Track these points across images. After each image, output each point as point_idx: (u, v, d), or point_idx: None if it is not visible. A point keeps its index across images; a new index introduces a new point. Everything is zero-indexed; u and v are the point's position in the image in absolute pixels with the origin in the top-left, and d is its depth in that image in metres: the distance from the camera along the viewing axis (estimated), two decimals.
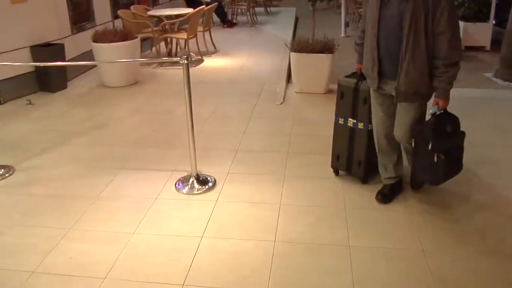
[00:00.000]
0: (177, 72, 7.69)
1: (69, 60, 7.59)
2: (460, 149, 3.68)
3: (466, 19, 9.57)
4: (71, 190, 4.26)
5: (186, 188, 4.22)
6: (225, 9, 13.53)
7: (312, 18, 7.44)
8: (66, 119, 6.15)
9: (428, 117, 3.58)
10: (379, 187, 4.03)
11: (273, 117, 6.01)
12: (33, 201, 4.11)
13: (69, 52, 7.58)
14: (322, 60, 6.74)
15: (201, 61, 9.04)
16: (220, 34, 11.53)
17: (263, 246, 3.39)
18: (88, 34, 7.89)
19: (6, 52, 6.66)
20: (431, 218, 3.69)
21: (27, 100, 6.76)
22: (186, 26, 9.10)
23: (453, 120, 3.60)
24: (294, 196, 4.06)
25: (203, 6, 9.70)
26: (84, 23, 8.64)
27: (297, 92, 6.93)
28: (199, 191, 4.18)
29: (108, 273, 3.14)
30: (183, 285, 3.02)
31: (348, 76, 4.16)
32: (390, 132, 3.82)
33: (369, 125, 3.99)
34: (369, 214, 3.79)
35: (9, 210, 3.99)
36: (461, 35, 9.43)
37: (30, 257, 3.35)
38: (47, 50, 7.14)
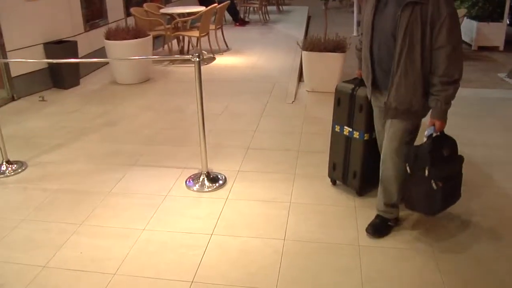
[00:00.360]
0: (189, 70, 7.74)
1: (82, 57, 7.66)
2: (459, 175, 3.37)
3: (479, 19, 9.51)
4: (83, 186, 4.30)
5: (197, 185, 4.24)
6: (237, 7, 13.53)
7: (324, 17, 7.42)
8: (79, 115, 6.19)
9: (423, 139, 3.23)
10: None
11: (284, 116, 6.01)
12: (45, 196, 4.14)
13: (82, 49, 7.64)
14: (334, 59, 6.72)
15: (213, 59, 9.06)
16: (232, 32, 11.54)
17: (272, 244, 3.39)
18: (100, 31, 7.95)
19: (20, 49, 6.73)
20: (439, 217, 3.68)
21: (40, 97, 6.81)
22: (198, 24, 9.13)
23: (451, 143, 3.29)
24: (304, 195, 4.05)
25: (216, 4, 9.72)
26: (97, 21, 8.69)
27: (308, 91, 6.92)
28: (210, 189, 4.20)
29: (118, 269, 3.16)
30: (192, 282, 3.03)
31: (347, 82, 3.91)
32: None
33: (365, 135, 3.77)
34: None
35: (21, 205, 4.03)
36: (474, 35, 9.56)
37: (42, 252, 3.38)
38: (60, 47, 7.20)
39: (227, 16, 12.80)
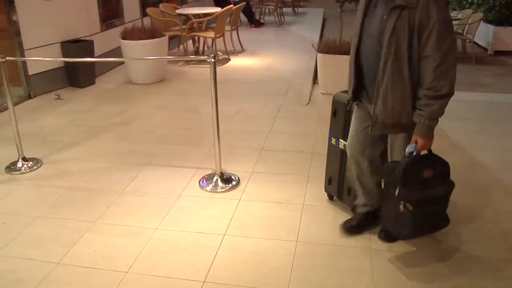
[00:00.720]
0: (204, 70, 7.75)
1: (97, 57, 7.71)
2: (441, 201, 3.03)
3: (496, 23, 9.43)
4: (97, 184, 4.33)
5: (210, 185, 4.24)
6: (253, 9, 13.55)
7: (339, 20, 7.41)
8: (94, 114, 6.24)
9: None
10: None
11: (298, 118, 6.00)
12: (60, 193, 4.18)
13: (98, 48, 7.69)
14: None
15: (228, 60, 9.08)
16: (247, 34, 11.56)
17: (285, 246, 3.39)
18: (116, 31, 8.00)
19: (37, 47, 6.79)
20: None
21: (56, 95, 6.87)
22: (214, 25, 9.15)
23: (439, 166, 2.97)
24: (317, 197, 4.04)
25: (231, 5, 9.74)
26: (113, 20, 8.75)
27: (323, 93, 6.91)
28: (223, 189, 4.20)
29: (130, 267, 3.18)
30: (204, 281, 3.04)
31: (346, 91, 3.37)
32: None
33: None
34: None
35: (36, 202, 4.07)
36: (491, 39, 9.48)
37: (55, 249, 3.41)
38: (77, 46, 7.26)
39: (243, 18, 12.83)
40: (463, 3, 10.53)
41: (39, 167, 4.70)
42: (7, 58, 4.64)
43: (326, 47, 6.83)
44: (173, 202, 3.98)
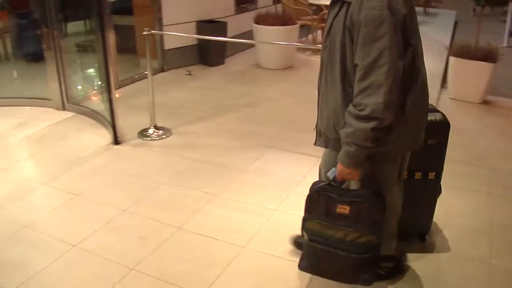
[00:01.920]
0: None
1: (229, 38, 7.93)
2: (350, 251, 2.39)
3: None
4: (222, 159, 4.48)
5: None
6: None
7: (476, 23, 7.06)
8: (222, 93, 6.45)
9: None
10: None
11: None
12: (186, 163, 4.38)
13: (231, 30, 7.91)
14: (483, 69, 6.37)
15: None
16: None
17: None
18: (248, 15, 8.18)
19: (174, 24, 7.13)
20: None
21: (187, 71, 7.19)
22: None
23: (362, 207, 2.37)
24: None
25: None
26: (246, 5, 8.94)
27: (451, 98, 6.64)
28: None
29: (247, 243, 3.27)
30: None
31: None
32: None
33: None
34: None
35: (164, 168, 4.30)
36: None
37: (179, 214, 3.60)
38: (211, 26, 7.54)
39: None
40: None
41: (168, 136, 4.95)
42: (152, 31, 4.91)
43: (460, 51, 6.53)
44: (293, 187, 4.02)
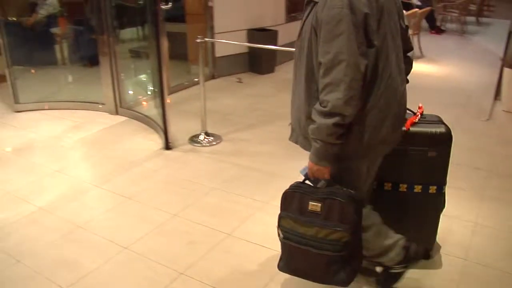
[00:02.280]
0: None
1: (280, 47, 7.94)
2: (321, 248, 2.33)
3: None
4: (272, 168, 4.47)
5: None
6: (435, 15, 13.06)
7: None
8: (272, 100, 6.46)
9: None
10: None
11: (475, 132, 5.66)
12: (236, 170, 4.40)
13: (281, 39, 7.91)
14: None
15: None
16: (427, 40, 11.16)
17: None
18: (299, 24, 8.14)
19: (226, 32, 7.19)
20: None
21: (237, 78, 7.24)
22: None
23: (334, 204, 2.31)
24: (493, 218, 3.76)
25: (416, 9, 9.47)
26: (297, 14, 8.94)
27: (504, 111, 6.45)
28: None
29: None
30: None
31: None
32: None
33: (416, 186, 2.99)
34: None
35: (214, 174, 4.32)
36: None
37: (228, 220, 3.60)
38: (262, 34, 7.55)
39: (423, 23, 12.40)
40: None
41: (218, 143, 4.98)
42: (205, 39, 4.96)
43: None
44: None
